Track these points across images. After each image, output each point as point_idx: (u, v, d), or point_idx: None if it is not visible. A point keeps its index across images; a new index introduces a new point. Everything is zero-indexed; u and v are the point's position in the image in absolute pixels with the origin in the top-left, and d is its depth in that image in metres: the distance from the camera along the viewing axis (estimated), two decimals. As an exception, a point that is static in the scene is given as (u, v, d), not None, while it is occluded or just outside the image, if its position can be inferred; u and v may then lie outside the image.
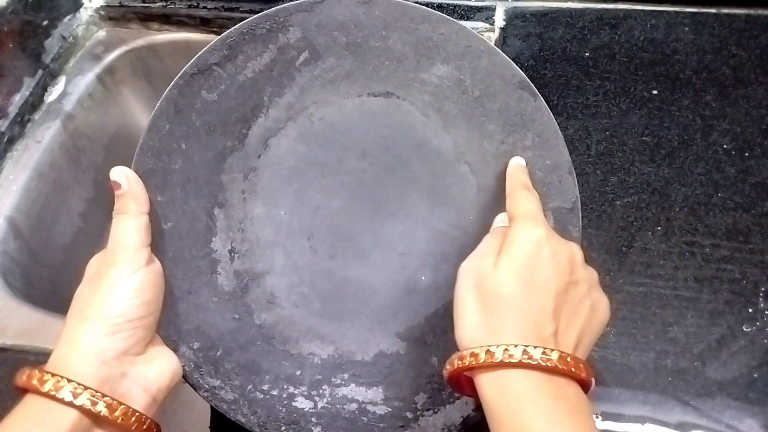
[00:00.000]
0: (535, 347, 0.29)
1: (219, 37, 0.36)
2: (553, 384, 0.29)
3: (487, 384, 0.30)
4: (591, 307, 0.33)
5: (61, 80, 0.67)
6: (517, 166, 0.38)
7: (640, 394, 0.42)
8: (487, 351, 0.29)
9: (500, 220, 0.37)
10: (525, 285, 0.31)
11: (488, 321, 0.31)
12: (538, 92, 0.37)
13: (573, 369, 0.29)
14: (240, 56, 0.37)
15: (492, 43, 0.45)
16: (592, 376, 0.30)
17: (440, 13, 0.37)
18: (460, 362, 0.31)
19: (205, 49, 0.36)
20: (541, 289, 0.31)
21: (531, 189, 0.36)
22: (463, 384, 0.32)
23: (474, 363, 0.30)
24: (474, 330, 0.31)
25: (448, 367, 0.32)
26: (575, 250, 0.33)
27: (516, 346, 0.29)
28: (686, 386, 0.42)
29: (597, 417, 0.41)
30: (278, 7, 0.36)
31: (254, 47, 0.37)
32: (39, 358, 0.48)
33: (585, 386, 0.30)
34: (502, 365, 0.29)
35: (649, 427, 0.40)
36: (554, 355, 0.29)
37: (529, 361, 0.29)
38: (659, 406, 0.41)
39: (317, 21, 0.37)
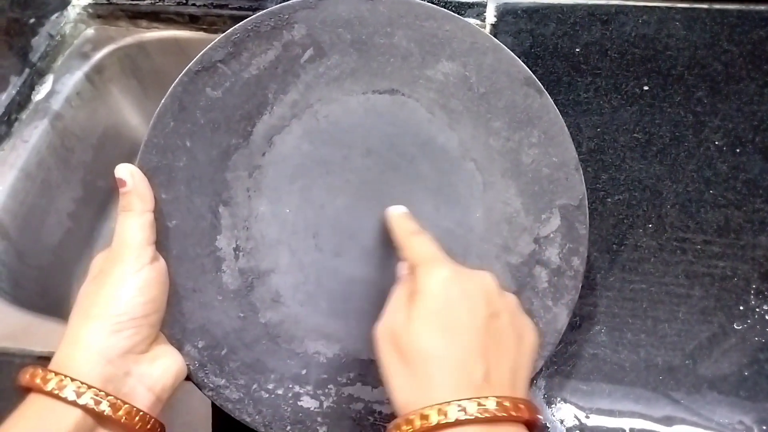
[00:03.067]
0: (469, 400, 0.27)
1: (224, 34, 0.36)
2: None
3: None
4: (517, 336, 0.31)
5: (49, 79, 0.66)
6: (398, 216, 0.36)
7: (631, 391, 0.41)
8: (421, 415, 0.27)
9: (404, 268, 0.34)
10: (442, 332, 0.29)
11: (415, 380, 0.29)
12: (543, 89, 0.37)
13: (513, 413, 0.28)
14: (244, 53, 0.36)
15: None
16: (536, 413, 0.29)
17: (445, 10, 0.37)
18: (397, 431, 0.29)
19: (209, 46, 0.36)
20: (460, 331, 0.29)
21: (421, 233, 0.35)
22: None
23: (411, 430, 0.28)
24: (404, 393, 0.29)
25: None
26: (488, 280, 0.32)
27: (449, 403, 0.27)
28: (677, 384, 0.42)
29: (587, 417, 0.41)
30: (283, 4, 0.36)
31: (259, 44, 0.36)
32: (25, 361, 0.47)
33: (531, 424, 0.29)
34: (439, 427, 0.27)
35: (640, 423, 0.40)
36: (490, 404, 0.27)
37: (466, 416, 0.27)
38: (650, 404, 0.41)
39: (322, 18, 0.37)
